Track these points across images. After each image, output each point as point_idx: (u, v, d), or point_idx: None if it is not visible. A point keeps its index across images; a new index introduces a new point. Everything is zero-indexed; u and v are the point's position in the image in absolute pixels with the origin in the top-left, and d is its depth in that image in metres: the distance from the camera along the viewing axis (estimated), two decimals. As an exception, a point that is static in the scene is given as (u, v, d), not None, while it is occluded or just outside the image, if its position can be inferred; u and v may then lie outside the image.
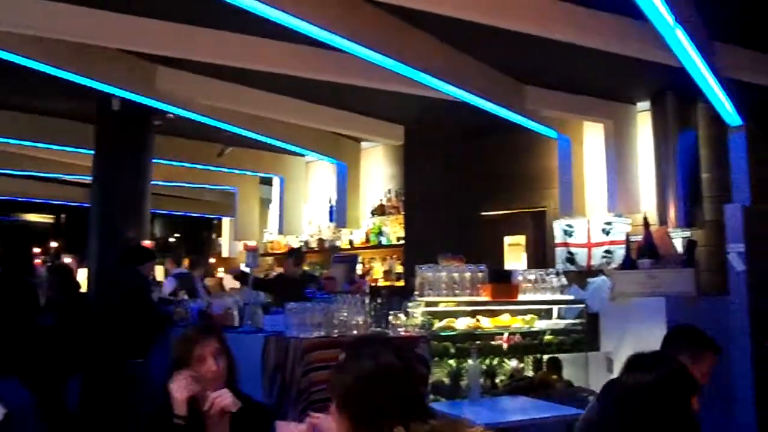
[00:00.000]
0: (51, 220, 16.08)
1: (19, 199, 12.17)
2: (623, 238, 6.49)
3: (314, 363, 3.83)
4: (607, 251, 6.87)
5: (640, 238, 5.87)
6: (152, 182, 7.76)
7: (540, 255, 7.50)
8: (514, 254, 8.00)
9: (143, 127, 7.50)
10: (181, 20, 5.27)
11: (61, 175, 10.17)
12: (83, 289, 6.70)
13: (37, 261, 8.73)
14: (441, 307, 4.93)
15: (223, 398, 2.41)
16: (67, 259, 9.68)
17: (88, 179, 8.26)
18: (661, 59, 4.75)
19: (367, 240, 8.78)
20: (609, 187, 6.93)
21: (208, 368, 2.46)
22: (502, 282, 5.13)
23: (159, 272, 12.24)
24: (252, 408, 2.53)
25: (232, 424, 2.45)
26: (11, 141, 8.32)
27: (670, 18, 3.81)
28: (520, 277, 5.31)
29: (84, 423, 5.14)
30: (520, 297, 5.15)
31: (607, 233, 6.90)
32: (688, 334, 2.95)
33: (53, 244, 15.13)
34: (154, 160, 7.80)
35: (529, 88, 6.45)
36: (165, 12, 5.15)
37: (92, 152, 7.60)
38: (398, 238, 8.43)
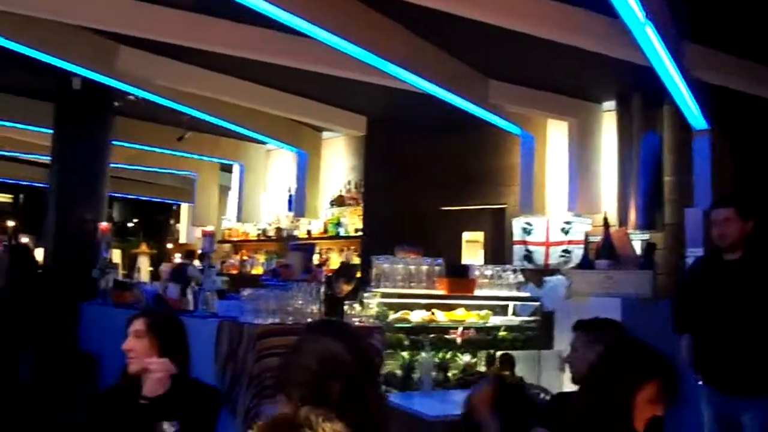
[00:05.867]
0: (9, 200, 15.67)
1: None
2: (582, 237, 6.49)
3: (267, 349, 3.79)
4: (566, 251, 6.89)
5: (599, 238, 5.89)
6: (111, 164, 7.60)
7: (497, 252, 7.48)
8: (472, 251, 7.97)
9: (103, 107, 7.36)
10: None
11: (20, 154, 9.96)
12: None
13: (-5, 240, 8.49)
14: (396, 299, 4.87)
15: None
16: (25, 239, 9.43)
17: (47, 159, 8.07)
18: (629, 57, 4.74)
19: (325, 230, 8.69)
20: (570, 186, 6.94)
21: (124, 346, 2.52)
22: (459, 276, 5.11)
23: (116, 255, 12.05)
24: (200, 390, 2.56)
25: (176, 405, 2.40)
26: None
27: (640, 14, 3.76)
28: (476, 273, 5.29)
29: (35, 395, 5.15)
30: (476, 292, 5.13)
31: (566, 232, 6.91)
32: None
33: (10, 224, 14.76)
34: (113, 142, 7.62)
35: (494, 83, 6.41)
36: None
37: (52, 131, 7.43)
38: (356, 230, 8.37)
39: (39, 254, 7.32)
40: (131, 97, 7.16)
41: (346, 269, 6.74)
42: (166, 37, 5.46)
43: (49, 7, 5.01)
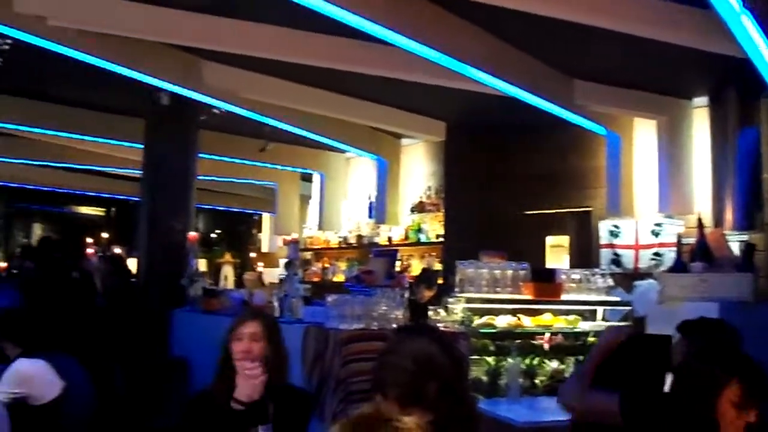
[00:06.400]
0: (102, 213, 16.50)
1: (74, 192, 12.54)
2: (674, 240, 6.20)
3: (353, 354, 3.88)
4: (656, 254, 6.61)
5: (692, 240, 5.62)
6: (197, 177, 7.86)
7: (583, 256, 7.26)
8: (556, 255, 7.76)
9: (190, 121, 7.60)
10: (227, 14, 5.30)
11: (112, 169, 10.45)
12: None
13: (90, 251, 8.93)
14: (481, 304, 4.80)
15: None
16: (117, 250, 9.89)
17: (137, 173, 8.41)
18: (722, 50, 4.52)
19: (406, 237, 8.71)
20: (660, 187, 6.68)
21: (240, 348, 2.50)
22: (545, 281, 4.97)
23: (202, 265, 12.46)
24: (293, 395, 2.60)
25: (270, 409, 2.43)
26: (65, 135, 8.53)
27: (736, 3, 3.59)
28: (563, 277, 5.15)
29: (131, 400, 5.32)
30: (563, 297, 4.99)
31: (657, 235, 6.64)
32: None
33: (104, 236, 15.55)
34: (199, 155, 7.88)
35: (577, 82, 6.25)
36: (211, 6, 5.21)
37: (142, 146, 7.75)
38: (437, 236, 8.35)
39: (132, 264, 7.64)
40: (216, 110, 7.39)
41: (427, 275, 6.73)
42: (248, 50, 5.63)
43: (137, 26, 5.26)
